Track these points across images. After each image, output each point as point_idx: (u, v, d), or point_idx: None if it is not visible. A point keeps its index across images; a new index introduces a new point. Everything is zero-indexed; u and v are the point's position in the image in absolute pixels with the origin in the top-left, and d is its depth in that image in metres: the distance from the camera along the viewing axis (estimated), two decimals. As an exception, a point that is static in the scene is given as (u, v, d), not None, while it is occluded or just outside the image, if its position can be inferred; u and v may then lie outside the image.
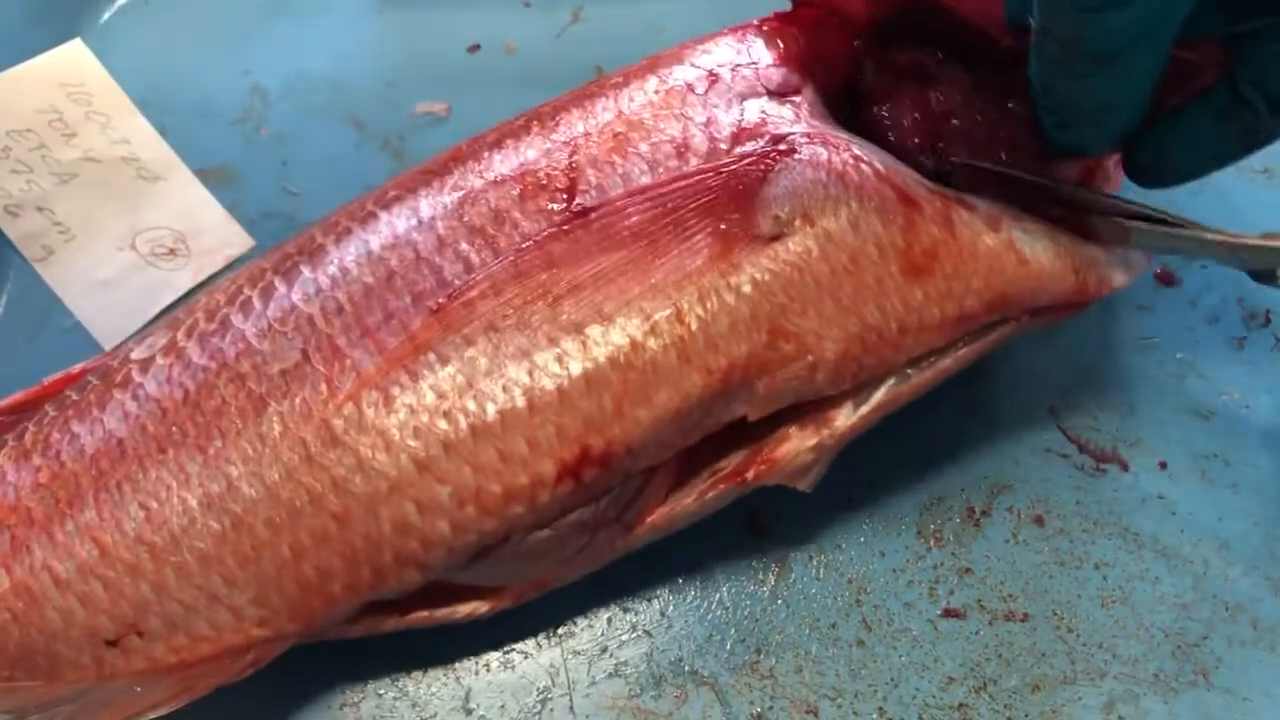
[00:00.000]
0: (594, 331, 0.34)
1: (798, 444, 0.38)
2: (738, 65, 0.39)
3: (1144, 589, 0.42)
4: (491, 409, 0.34)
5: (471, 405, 0.34)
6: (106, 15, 0.56)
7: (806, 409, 0.38)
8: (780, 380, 0.36)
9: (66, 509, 0.36)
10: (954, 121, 0.39)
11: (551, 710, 0.40)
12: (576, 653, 0.41)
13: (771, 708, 0.40)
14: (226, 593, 0.35)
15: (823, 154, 0.36)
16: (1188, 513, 0.43)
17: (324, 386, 0.35)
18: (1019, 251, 0.37)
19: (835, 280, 0.36)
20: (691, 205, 0.36)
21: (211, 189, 0.51)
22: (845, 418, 0.38)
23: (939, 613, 0.41)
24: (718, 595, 0.42)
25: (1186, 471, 0.44)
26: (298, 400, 0.35)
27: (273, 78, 0.54)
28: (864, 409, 0.38)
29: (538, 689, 0.40)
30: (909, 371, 0.38)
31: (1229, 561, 0.42)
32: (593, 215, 0.36)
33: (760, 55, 0.40)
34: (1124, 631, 0.41)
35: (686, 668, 0.41)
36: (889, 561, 0.42)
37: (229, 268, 0.50)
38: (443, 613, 0.38)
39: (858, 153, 0.37)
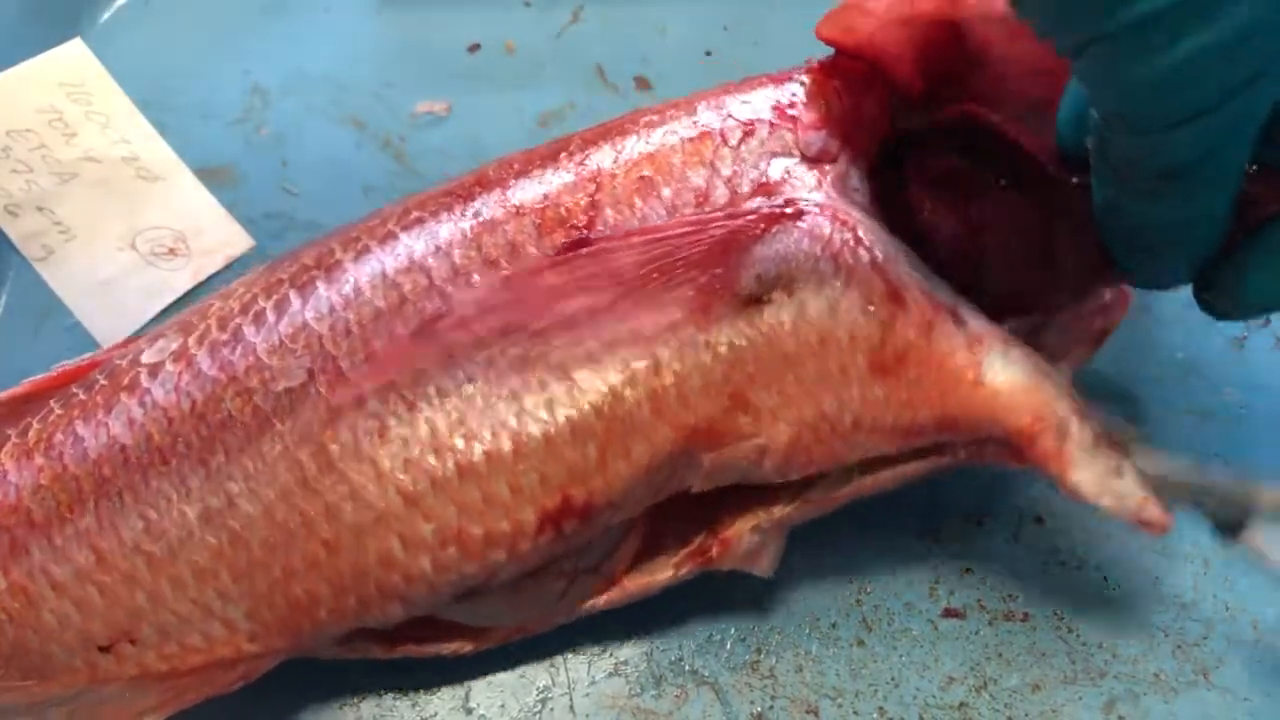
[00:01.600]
0: (581, 378, 0.34)
1: (740, 527, 0.38)
2: (776, 123, 0.38)
3: (1144, 589, 0.42)
4: (479, 450, 0.34)
5: (460, 444, 0.34)
6: (106, 15, 0.56)
7: (749, 493, 0.38)
8: (728, 456, 0.36)
9: (67, 513, 0.36)
10: (990, 242, 0.39)
11: (551, 710, 0.40)
12: (576, 652, 0.41)
13: (771, 707, 0.40)
14: (220, 606, 0.35)
15: (825, 227, 0.35)
16: (1188, 513, 0.43)
17: (324, 410, 0.35)
18: (981, 374, 0.35)
19: (800, 359, 0.35)
20: (683, 252, 0.35)
21: (211, 189, 0.51)
22: (782, 509, 0.38)
23: (939, 612, 0.41)
24: (718, 595, 0.42)
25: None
26: (299, 421, 0.35)
27: (273, 78, 0.54)
28: (800, 502, 0.38)
29: (538, 688, 0.40)
30: (851, 472, 0.38)
31: (1229, 561, 0.42)
32: (587, 250, 0.35)
33: (800, 113, 0.39)
34: (1124, 631, 0.41)
35: (686, 667, 0.41)
36: (889, 561, 0.42)
37: (229, 268, 0.50)
38: (429, 649, 0.38)
39: (861, 235, 0.36)
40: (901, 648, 0.41)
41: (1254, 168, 0.33)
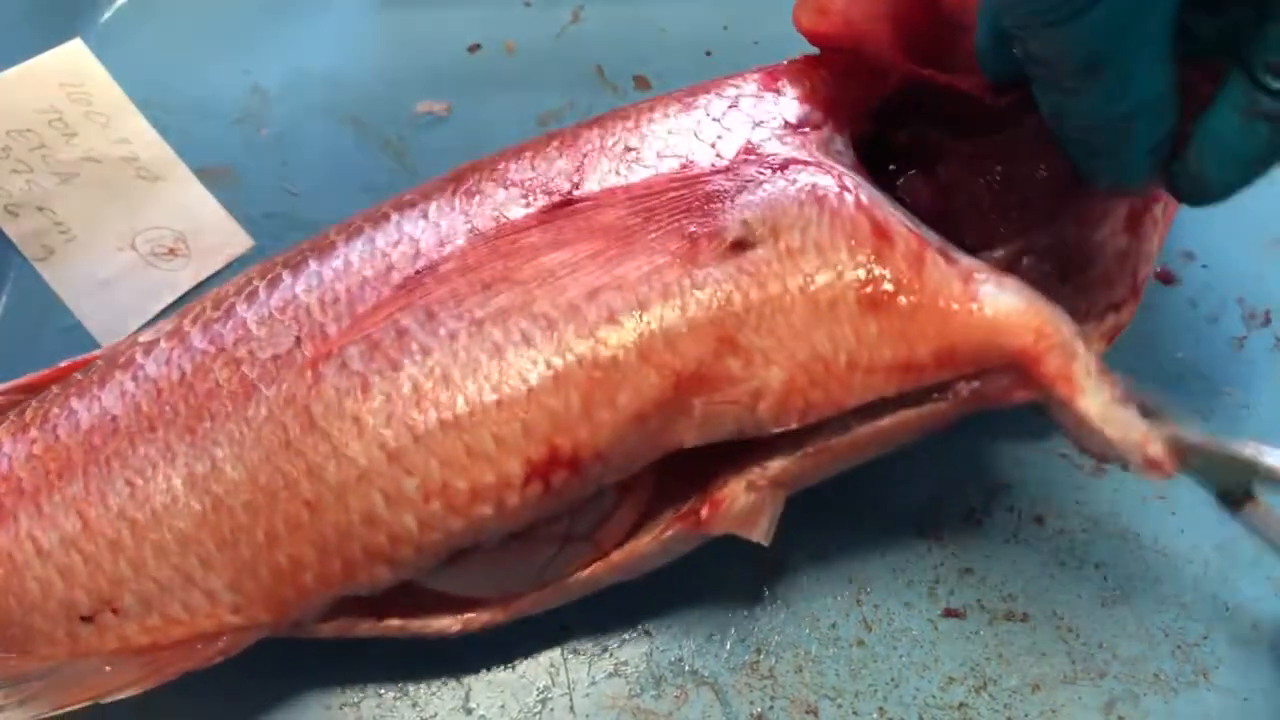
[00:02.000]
0: (563, 327, 0.34)
1: (734, 486, 0.37)
2: (761, 96, 0.39)
3: (1144, 589, 0.42)
4: (460, 401, 0.34)
5: (443, 396, 0.34)
6: (106, 15, 0.56)
7: (746, 454, 0.37)
8: (720, 400, 0.35)
9: (55, 480, 0.36)
10: (961, 195, 0.39)
11: (551, 710, 0.40)
12: (576, 653, 0.41)
13: (771, 708, 0.40)
14: (202, 575, 0.35)
15: (807, 175, 0.36)
16: (1188, 513, 0.43)
17: (309, 373, 0.35)
18: (979, 299, 0.35)
19: (790, 300, 0.35)
20: (666, 205, 0.36)
21: (211, 189, 0.51)
22: (779, 461, 0.37)
23: (939, 612, 0.41)
24: (718, 595, 0.42)
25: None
26: (284, 386, 0.35)
27: (273, 78, 0.54)
28: (798, 454, 0.37)
29: (538, 689, 0.40)
30: (850, 422, 0.37)
31: (1229, 561, 0.42)
32: (571, 208, 0.36)
33: (785, 89, 0.40)
34: (1124, 631, 0.41)
35: (686, 668, 0.41)
36: (889, 561, 0.42)
37: (229, 268, 0.50)
38: (415, 625, 0.38)
39: (846, 181, 0.36)
40: (901, 648, 0.41)
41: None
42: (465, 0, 0.56)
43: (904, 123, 0.41)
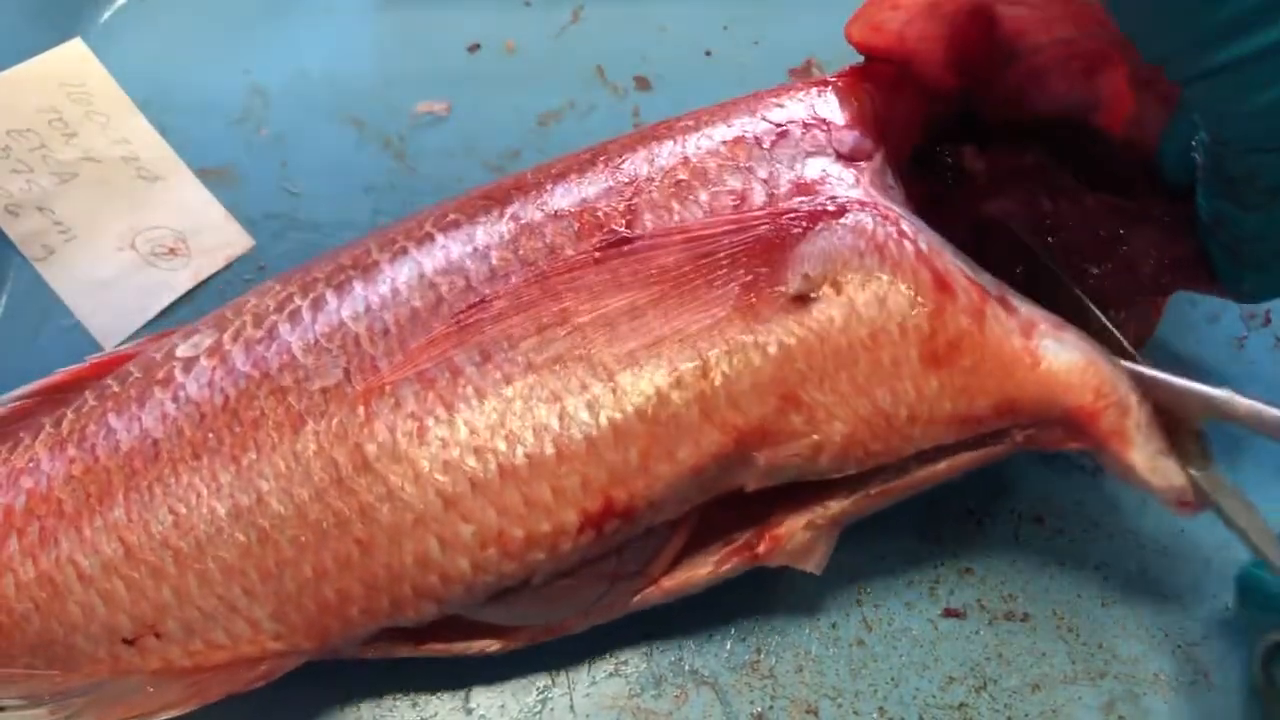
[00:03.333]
0: (624, 379, 0.34)
1: (793, 524, 0.37)
2: (809, 123, 0.38)
3: (1144, 589, 0.42)
4: (520, 452, 0.34)
5: (502, 446, 0.34)
6: (106, 15, 0.56)
7: (805, 489, 0.37)
8: (783, 454, 0.35)
9: (96, 505, 0.36)
10: (1060, 234, 0.39)
11: (551, 710, 0.40)
12: (576, 652, 0.41)
13: (771, 707, 0.40)
14: (246, 604, 0.35)
15: (867, 222, 0.35)
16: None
17: (361, 409, 0.35)
18: (1038, 356, 0.35)
19: (853, 354, 0.35)
20: (725, 250, 0.35)
21: (211, 189, 0.51)
22: (839, 502, 0.37)
23: (939, 612, 0.41)
24: (718, 595, 0.41)
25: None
26: (334, 421, 0.35)
27: (273, 78, 0.54)
28: (858, 496, 0.38)
29: (538, 688, 0.40)
30: (909, 465, 0.37)
31: (1229, 561, 0.42)
32: (628, 248, 0.35)
33: (833, 114, 0.39)
34: (1124, 631, 0.41)
35: (686, 667, 0.41)
36: (889, 561, 0.42)
37: (229, 268, 0.50)
38: (458, 647, 0.38)
39: (904, 228, 0.36)
40: (901, 648, 0.41)
41: None
42: (465, 0, 0.56)
43: (1024, 146, 0.40)
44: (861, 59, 0.41)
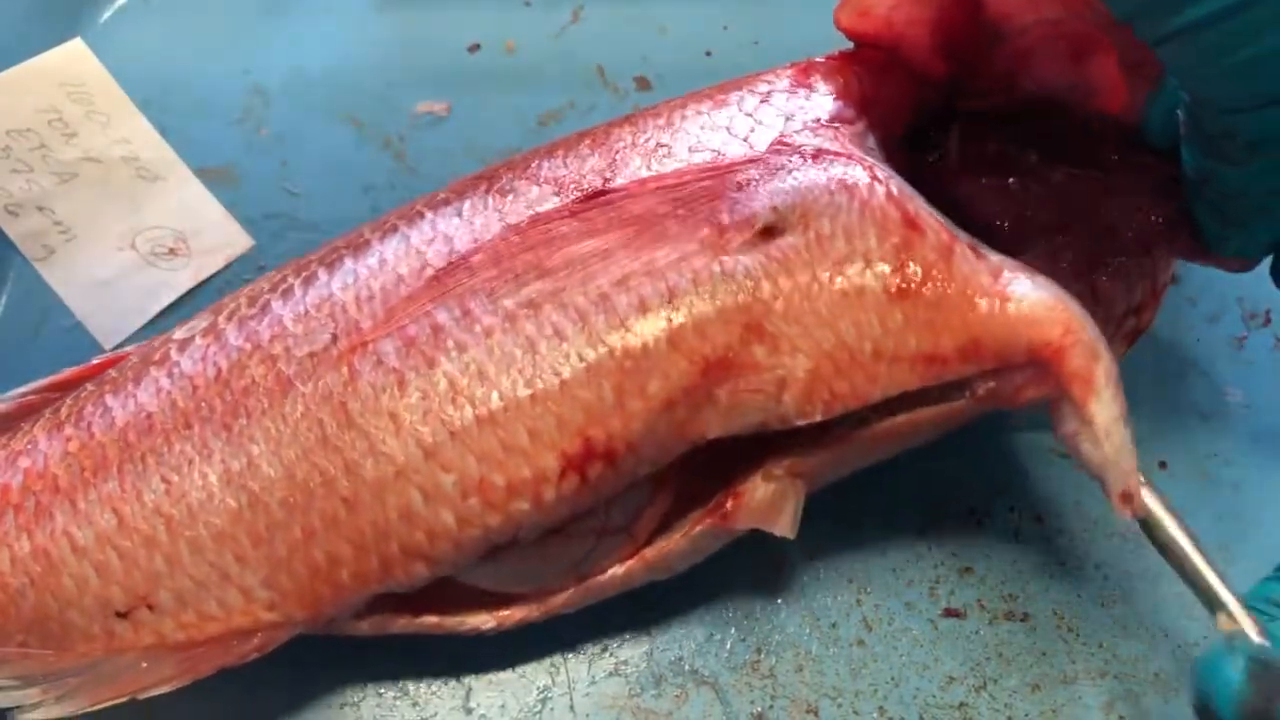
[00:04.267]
0: (594, 317, 0.34)
1: (754, 477, 0.37)
2: (794, 91, 0.39)
3: (1144, 589, 0.42)
4: (495, 397, 0.34)
5: (478, 392, 0.34)
6: (106, 15, 0.56)
7: (769, 450, 0.37)
8: (745, 389, 0.35)
9: (91, 477, 0.36)
10: (1033, 211, 0.39)
11: (551, 710, 0.40)
12: (576, 652, 0.41)
13: (771, 707, 0.40)
14: (238, 572, 0.35)
15: (839, 165, 0.36)
16: (1188, 512, 0.43)
17: (345, 369, 0.35)
18: (1008, 294, 0.34)
19: (818, 288, 0.35)
20: (698, 193, 0.36)
21: (211, 189, 0.51)
22: (799, 456, 0.37)
23: (939, 612, 0.41)
24: (718, 595, 0.42)
25: (1186, 471, 0.44)
26: (320, 383, 0.35)
27: (273, 78, 0.54)
28: (817, 446, 0.37)
29: (538, 688, 0.40)
30: (868, 417, 0.37)
31: (1229, 561, 0.42)
32: (603, 198, 0.36)
33: (819, 86, 0.40)
34: (1124, 631, 0.41)
35: (686, 667, 0.41)
36: (889, 561, 0.42)
37: (229, 268, 0.50)
38: (451, 621, 0.38)
39: (878, 174, 0.36)
40: (901, 648, 0.41)
41: None
42: (465, 0, 0.56)
43: (986, 133, 0.41)
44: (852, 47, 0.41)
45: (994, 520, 0.43)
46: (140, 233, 0.50)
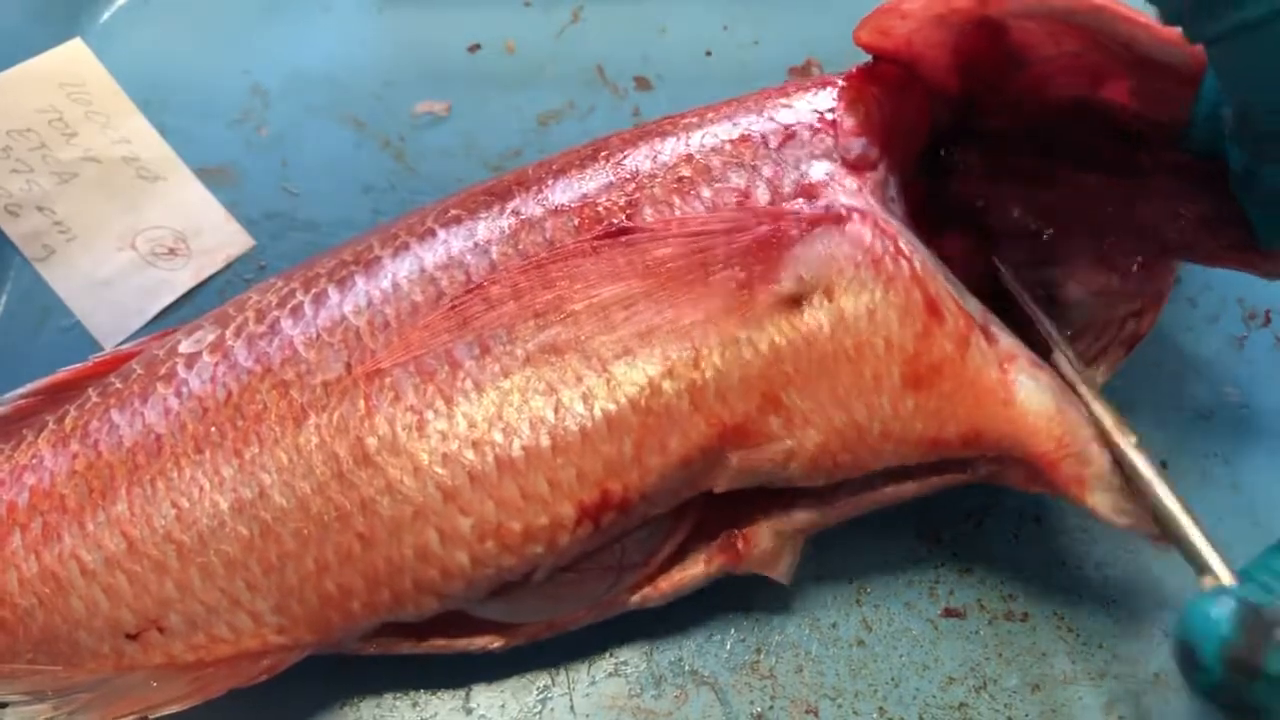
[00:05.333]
0: (618, 370, 0.34)
1: (763, 529, 0.38)
2: (817, 126, 0.38)
3: (1144, 589, 0.42)
4: (517, 445, 0.34)
5: (499, 438, 0.34)
6: (106, 15, 0.56)
7: (772, 500, 0.38)
8: (756, 457, 0.36)
9: (99, 500, 0.36)
10: (1067, 219, 0.40)
11: (552, 710, 0.40)
12: (576, 652, 0.41)
13: (771, 707, 0.40)
14: (249, 598, 0.35)
15: (866, 234, 0.36)
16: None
17: (362, 403, 0.35)
18: (1012, 394, 0.35)
19: (837, 364, 0.35)
20: (723, 245, 0.35)
21: (211, 189, 0.51)
22: (804, 515, 0.38)
23: (939, 612, 0.41)
24: (718, 595, 0.41)
25: (1187, 471, 0.44)
26: (336, 414, 0.35)
27: (273, 78, 0.54)
28: (824, 508, 0.38)
29: (538, 688, 0.40)
30: (874, 481, 0.38)
31: (1229, 562, 0.42)
32: (625, 238, 0.35)
33: (841, 119, 0.38)
34: (1124, 631, 0.41)
35: (686, 667, 0.41)
36: (889, 561, 0.42)
37: (229, 268, 0.50)
38: (459, 644, 0.38)
39: (902, 245, 0.36)
40: (901, 648, 0.41)
41: None
42: (465, 0, 0.56)
43: (1013, 140, 0.41)
44: (867, 58, 0.41)
45: (994, 520, 0.43)
46: (140, 233, 0.50)
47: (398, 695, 0.40)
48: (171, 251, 0.50)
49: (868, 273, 0.35)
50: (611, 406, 0.34)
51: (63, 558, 0.36)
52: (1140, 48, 0.36)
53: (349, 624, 0.36)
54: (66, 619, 0.36)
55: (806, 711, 0.40)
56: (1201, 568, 0.34)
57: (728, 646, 0.41)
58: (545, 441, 0.34)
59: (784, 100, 0.40)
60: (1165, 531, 0.35)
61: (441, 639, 0.38)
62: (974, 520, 0.43)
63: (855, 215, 0.36)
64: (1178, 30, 0.32)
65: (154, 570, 0.35)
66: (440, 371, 0.35)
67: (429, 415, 0.35)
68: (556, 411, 0.34)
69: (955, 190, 0.41)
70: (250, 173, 0.52)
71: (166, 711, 0.35)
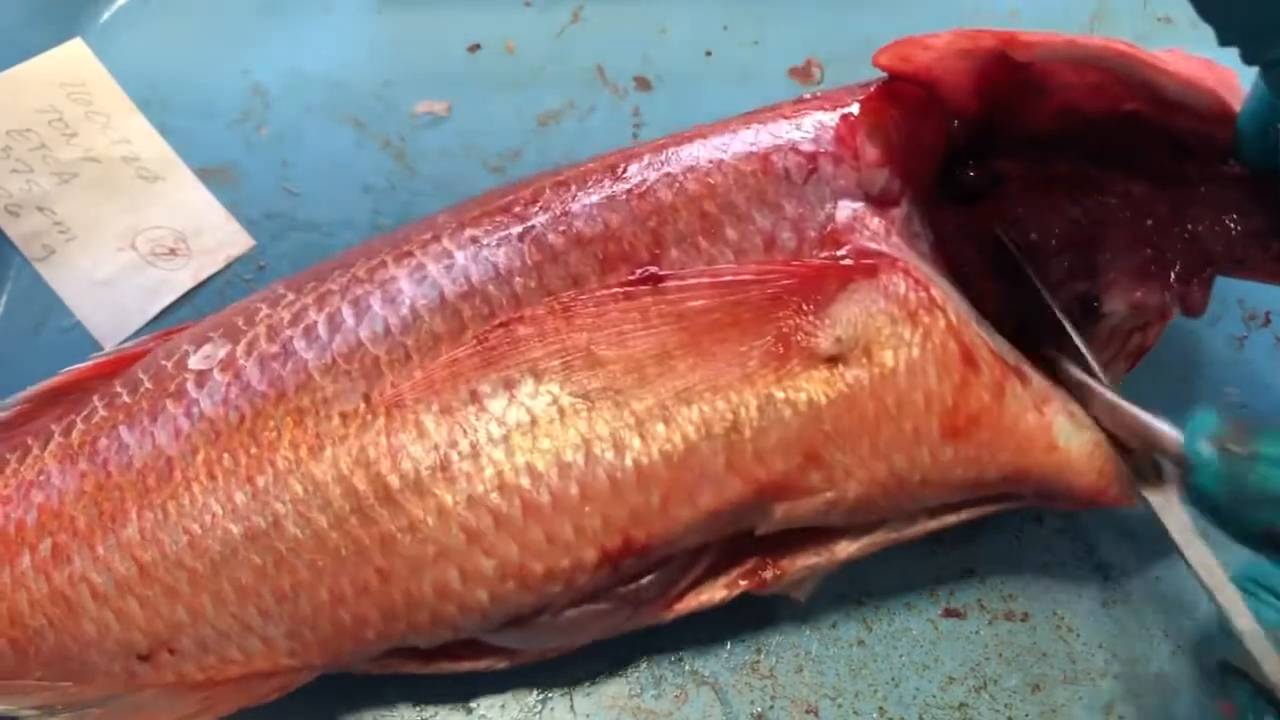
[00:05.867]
0: (652, 424, 0.34)
1: (802, 561, 0.38)
2: (839, 156, 0.38)
3: (1144, 589, 0.42)
4: (545, 491, 0.34)
5: (526, 483, 0.34)
6: (106, 15, 0.56)
7: (813, 531, 0.38)
8: (799, 509, 0.36)
9: (109, 523, 0.36)
10: (1108, 229, 0.40)
11: (552, 710, 0.40)
12: (577, 653, 0.41)
13: (771, 707, 0.40)
14: (260, 624, 0.35)
15: (900, 288, 0.36)
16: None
17: (383, 439, 0.35)
18: (1053, 437, 0.36)
19: (877, 422, 0.35)
20: (755, 300, 0.35)
21: (211, 189, 0.51)
22: (846, 548, 0.38)
23: (939, 612, 0.41)
24: (718, 595, 0.42)
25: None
26: (355, 448, 0.35)
27: (273, 78, 0.54)
28: (863, 542, 0.38)
29: (538, 688, 0.40)
30: (918, 517, 0.39)
31: (1229, 563, 0.42)
32: (657, 288, 0.35)
33: (864, 149, 0.38)
34: (1124, 631, 0.41)
35: (686, 667, 0.41)
36: (889, 561, 0.42)
37: (229, 268, 0.50)
38: (465, 666, 0.38)
39: (935, 295, 0.36)
40: (901, 648, 0.41)
41: None
42: (465, 0, 0.56)
43: (1052, 153, 0.41)
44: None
45: (994, 520, 0.43)
46: (140, 233, 0.50)
47: (399, 696, 0.40)
48: (171, 251, 0.50)
49: (904, 328, 0.35)
50: (644, 459, 0.34)
51: (73, 580, 0.36)
52: (1164, 93, 0.36)
53: (360, 650, 0.36)
54: (77, 639, 0.36)
55: (806, 711, 0.40)
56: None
57: (728, 646, 0.41)
58: (574, 489, 0.34)
59: (800, 123, 0.39)
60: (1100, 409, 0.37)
61: (447, 661, 0.38)
62: (974, 520, 0.43)
63: (886, 264, 0.36)
64: (1202, 74, 0.32)
65: (165, 595, 0.35)
66: (464, 410, 0.35)
67: (454, 456, 0.34)
68: (587, 459, 0.34)
69: (986, 209, 0.41)
70: (250, 173, 0.52)
71: None
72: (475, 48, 0.55)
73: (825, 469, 0.35)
